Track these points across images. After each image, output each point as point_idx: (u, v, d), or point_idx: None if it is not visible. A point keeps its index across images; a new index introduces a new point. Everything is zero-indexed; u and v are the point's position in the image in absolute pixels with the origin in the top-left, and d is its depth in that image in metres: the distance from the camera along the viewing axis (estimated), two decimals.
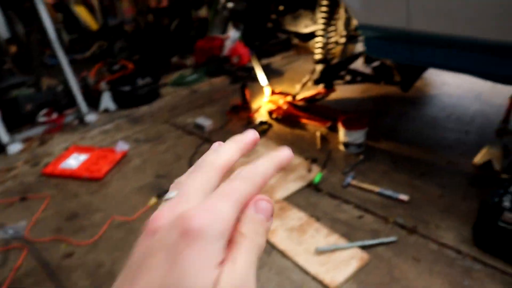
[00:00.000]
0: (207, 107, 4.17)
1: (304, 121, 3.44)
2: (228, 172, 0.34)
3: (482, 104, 3.53)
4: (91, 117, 4.08)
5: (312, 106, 3.49)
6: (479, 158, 2.67)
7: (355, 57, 3.27)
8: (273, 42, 5.80)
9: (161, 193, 2.72)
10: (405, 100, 3.74)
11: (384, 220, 2.26)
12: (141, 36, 6.74)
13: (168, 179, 2.91)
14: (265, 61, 5.46)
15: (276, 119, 3.59)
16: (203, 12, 6.64)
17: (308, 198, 2.51)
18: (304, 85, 3.38)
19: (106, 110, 4.32)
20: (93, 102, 4.36)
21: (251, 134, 0.36)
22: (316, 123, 3.35)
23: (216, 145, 0.36)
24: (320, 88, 3.29)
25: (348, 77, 3.27)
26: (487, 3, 1.84)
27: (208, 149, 0.37)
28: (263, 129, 3.41)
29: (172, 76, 5.22)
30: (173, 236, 0.26)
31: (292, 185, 2.61)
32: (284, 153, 0.34)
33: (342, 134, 2.93)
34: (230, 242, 0.27)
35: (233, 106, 3.93)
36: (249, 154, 0.37)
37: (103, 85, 4.22)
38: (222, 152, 0.34)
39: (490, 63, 1.99)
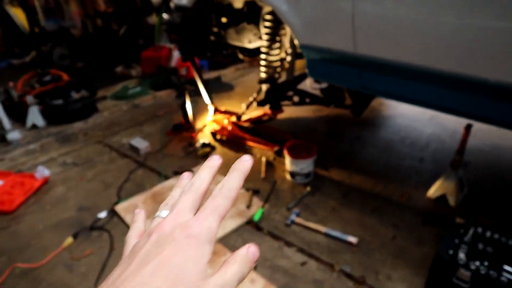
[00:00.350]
0: (148, 124, 3.81)
1: (250, 144, 3.16)
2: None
3: (436, 127, 3.38)
4: (14, 135, 3.61)
5: (259, 128, 3.21)
6: (433, 192, 2.47)
7: (303, 76, 3.03)
8: (225, 53, 5.51)
9: (79, 232, 2.34)
10: (359, 121, 3.53)
11: (329, 268, 1.99)
12: (87, 42, 6.26)
13: (92, 212, 2.54)
14: (216, 73, 5.16)
15: (220, 141, 3.29)
16: (154, 18, 6.25)
17: (246, 239, 2.21)
18: (249, 105, 3.09)
19: (35, 127, 3.86)
20: (20, 117, 3.90)
21: (217, 160, 0.45)
22: (263, 147, 3.07)
23: (186, 175, 0.48)
24: (267, 109, 3.02)
25: (296, 98, 3.01)
26: (436, 31, 1.62)
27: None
28: (205, 152, 3.09)
29: (115, 88, 4.81)
30: (180, 237, 0.36)
31: (229, 223, 2.30)
32: (247, 163, 0.44)
33: (288, 162, 2.66)
34: (227, 262, 0.37)
35: (176, 124, 3.59)
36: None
37: (29, 98, 3.76)
38: (203, 179, 0.43)
39: (442, 95, 1.77)
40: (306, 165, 2.60)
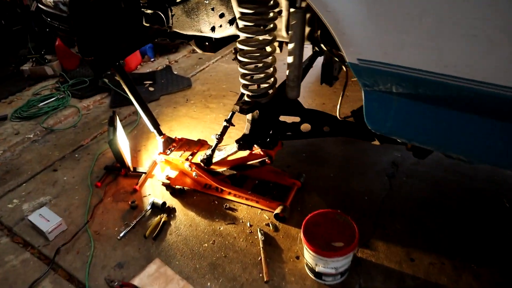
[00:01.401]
0: (67, 166, 2.44)
1: (230, 197, 1.95)
2: None
3: None
4: None
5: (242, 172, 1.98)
6: None
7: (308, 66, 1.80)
8: None
9: None
10: None
11: None
12: None
13: None
14: (163, 60, 3.80)
15: (181, 193, 2.05)
16: None
17: None
18: (222, 134, 1.84)
19: None
20: None
21: None
22: (254, 205, 1.87)
23: None
24: (256, 147, 1.79)
25: (305, 126, 1.78)
26: None
27: None
28: (157, 225, 1.85)
29: (23, 97, 3.37)
30: None
31: None
32: None
33: (309, 257, 1.48)
34: None
35: (108, 166, 2.29)
36: None
37: None
38: None
39: None
40: (342, 263, 1.43)
